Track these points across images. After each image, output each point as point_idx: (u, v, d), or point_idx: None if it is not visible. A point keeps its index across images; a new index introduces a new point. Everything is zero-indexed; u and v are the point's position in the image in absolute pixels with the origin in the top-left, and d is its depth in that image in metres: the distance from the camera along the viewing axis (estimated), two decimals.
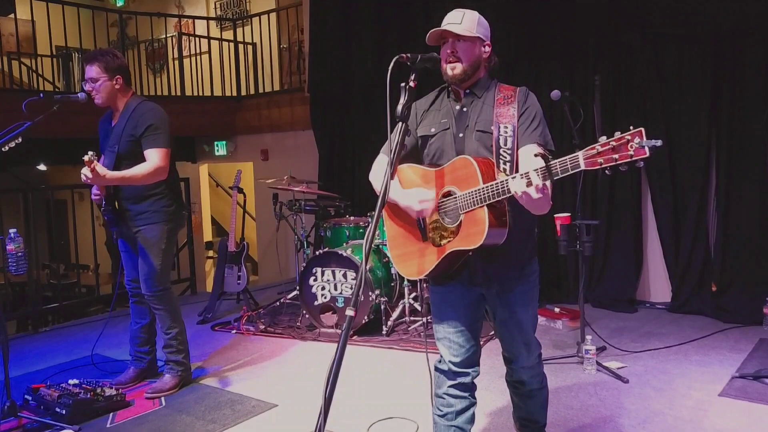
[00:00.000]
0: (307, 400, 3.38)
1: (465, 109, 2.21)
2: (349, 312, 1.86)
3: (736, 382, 3.34)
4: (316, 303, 4.62)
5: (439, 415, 2.32)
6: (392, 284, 4.71)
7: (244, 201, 5.93)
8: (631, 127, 1.67)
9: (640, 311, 4.92)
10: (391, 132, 2.03)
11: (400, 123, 2.04)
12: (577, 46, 5.10)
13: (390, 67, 1.96)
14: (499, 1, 5.04)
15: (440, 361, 2.31)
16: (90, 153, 3.03)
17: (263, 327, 4.78)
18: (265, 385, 3.65)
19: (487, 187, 1.97)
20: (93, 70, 3.30)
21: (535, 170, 1.81)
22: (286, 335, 4.62)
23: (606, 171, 1.73)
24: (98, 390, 3.31)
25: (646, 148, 1.65)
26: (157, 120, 3.35)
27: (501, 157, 2.07)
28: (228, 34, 8.68)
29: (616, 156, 1.69)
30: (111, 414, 3.26)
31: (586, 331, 3.75)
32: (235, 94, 8.16)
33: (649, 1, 4.76)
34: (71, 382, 3.39)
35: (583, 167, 1.74)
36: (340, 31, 6.45)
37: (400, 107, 2.03)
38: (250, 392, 3.53)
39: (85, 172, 3.11)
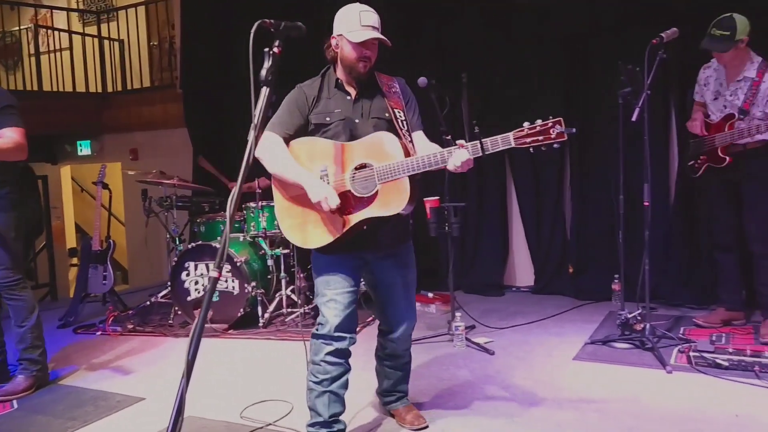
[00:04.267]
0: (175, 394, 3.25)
1: (359, 99, 2.42)
2: (213, 273, 1.86)
3: (588, 348, 3.64)
4: (189, 298, 4.47)
5: (314, 382, 2.41)
6: (269, 277, 4.66)
7: (110, 198, 5.61)
8: (551, 117, 2.06)
9: (507, 295, 5.23)
10: (256, 98, 2.04)
11: (265, 88, 2.05)
12: (447, 44, 5.35)
13: (252, 32, 1.98)
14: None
15: (320, 327, 2.40)
16: None
17: (132, 327, 4.54)
18: (132, 382, 3.48)
19: (419, 159, 2.20)
20: None
21: (473, 144, 2.13)
22: (157, 333, 4.42)
23: (530, 150, 2.10)
24: None
25: (566, 134, 2.03)
26: (13, 101, 3.22)
27: (404, 137, 2.32)
28: (92, 29, 8.19)
29: (540, 138, 2.07)
30: None
31: (458, 312, 3.93)
32: (100, 90, 7.71)
33: (512, 5, 5.10)
34: None
35: (513, 145, 2.11)
36: (215, 25, 6.31)
37: (264, 72, 2.05)
38: (115, 389, 3.35)
39: None
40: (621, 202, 3.82)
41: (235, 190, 1.87)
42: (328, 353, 2.38)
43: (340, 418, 2.49)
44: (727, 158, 3.67)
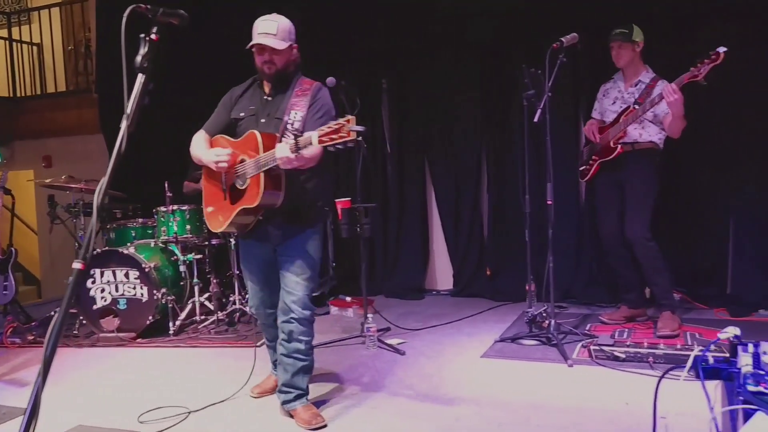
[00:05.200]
0: (72, 403, 3.10)
1: (270, 99, 2.67)
2: (76, 265, 1.77)
3: (497, 345, 3.69)
4: (95, 307, 4.28)
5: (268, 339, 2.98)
6: (181, 283, 4.52)
7: (12, 204, 5.33)
8: (347, 115, 2.19)
9: (427, 298, 5.25)
10: (130, 84, 1.99)
11: (141, 75, 1.99)
12: (368, 51, 5.37)
13: (125, 16, 1.92)
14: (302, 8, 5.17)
15: (251, 306, 2.91)
16: None
17: (32, 338, 4.31)
18: (26, 393, 3.27)
19: (264, 155, 2.42)
20: None
21: (286, 142, 2.30)
22: (59, 344, 4.19)
23: (334, 148, 2.21)
24: None
25: (353, 132, 2.15)
26: None
27: (285, 136, 2.46)
28: (4, 32, 7.82)
29: (335, 136, 2.17)
30: None
31: (375, 316, 3.92)
32: (11, 94, 7.35)
33: (430, 14, 5.17)
34: None
35: (316, 144, 2.22)
36: (131, 26, 6.11)
37: (139, 58, 2.00)
38: (6, 401, 3.15)
39: None
40: (527, 201, 3.91)
41: (103, 181, 1.80)
42: (263, 324, 2.92)
43: (274, 372, 2.91)
44: (618, 148, 3.81)
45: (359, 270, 5.36)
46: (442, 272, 5.45)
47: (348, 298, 4.74)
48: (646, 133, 3.79)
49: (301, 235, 2.64)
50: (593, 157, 4.02)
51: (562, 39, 3.58)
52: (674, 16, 4.39)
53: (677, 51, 4.30)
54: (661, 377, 1.67)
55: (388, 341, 3.80)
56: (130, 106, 1.94)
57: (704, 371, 1.50)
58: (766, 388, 1.28)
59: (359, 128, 2.15)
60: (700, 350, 1.58)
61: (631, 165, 3.81)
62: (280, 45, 2.55)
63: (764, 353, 1.50)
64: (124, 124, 1.91)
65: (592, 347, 3.36)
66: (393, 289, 5.31)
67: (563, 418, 2.63)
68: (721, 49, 3.28)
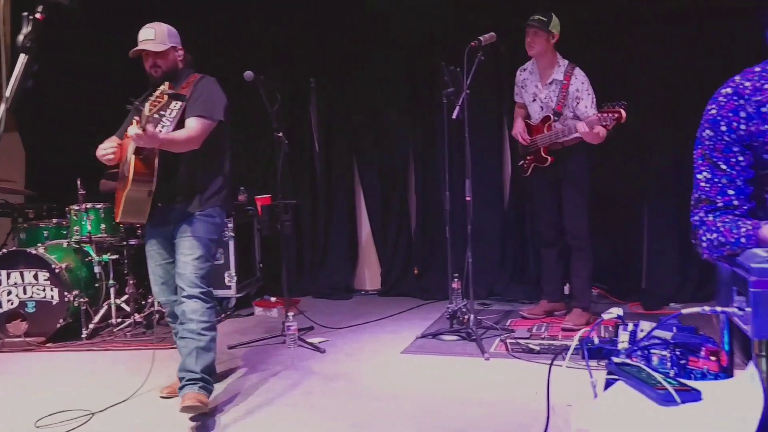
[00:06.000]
0: None
1: None
2: None
3: (418, 342, 3.70)
4: (0, 310, 4.04)
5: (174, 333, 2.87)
6: (96, 285, 4.33)
7: None
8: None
9: (355, 298, 5.22)
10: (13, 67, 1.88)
11: (23, 55, 1.88)
12: (296, 51, 5.32)
13: None
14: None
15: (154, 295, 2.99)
16: None
17: None
18: None
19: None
20: None
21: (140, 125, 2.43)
22: None
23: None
24: None
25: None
26: None
27: (162, 123, 2.51)
28: None
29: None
30: None
31: (298, 316, 3.87)
32: None
33: (358, 14, 5.16)
34: None
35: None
36: (46, 19, 5.85)
37: (22, 37, 1.88)
38: None
39: None
40: (447, 198, 3.93)
41: None
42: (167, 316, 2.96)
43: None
44: (550, 158, 3.90)
45: (288, 270, 5.34)
46: (371, 272, 5.43)
47: (273, 299, 4.65)
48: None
49: (193, 218, 2.71)
50: (528, 157, 4.08)
51: (480, 38, 3.63)
52: (602, 21, 4.53)
53: (607, 55, 4.46)
54: (551, 363, 1.69)
55: (310, 340, 3.75)
56: (9, 89, 1.82)
57: (589, 352, 1.52)
58: (632, 360, 1.30)
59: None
60: (585, 332, 1.60)
61: (565, 162, 3.87)
62: (159, 47, 2.71)
63: (641, 331, 1.54)
64: (2, 108, 1.80)
65: (508, 341, 3.41)
66: (321, 289, 5.25)
67: (476, 409, 2.65)
68: (622, 109, 3.38)
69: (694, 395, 1.12)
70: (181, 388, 2.60)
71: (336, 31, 5.22)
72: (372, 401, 2.80)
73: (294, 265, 5.37)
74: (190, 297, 2.64)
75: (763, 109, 1.40)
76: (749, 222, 1.37)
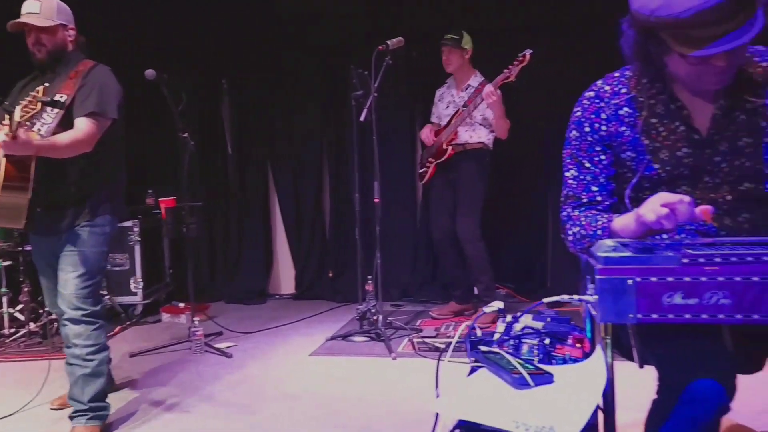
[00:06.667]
0: None
1: (48, 84, 2.43)
2: None
3: (327, 343, 3.70)
4: None
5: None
6: None
7: None
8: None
9: (269, 302, 5.15)
10: None
11: None
12: (208, 51, 5.21)
13: None
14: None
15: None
16: None
17: None
18: None
19: None
20: None
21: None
22: None
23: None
24: None
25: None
26: None
27: (37, 128, 2.32)
28: None
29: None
30: None
31: (207, 321, 3.78)
32: None
33: (272, 15, 5.11)
34: None
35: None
36: None
37: None
38: None
39: None
40: (357, 200, 3.97)
41: None
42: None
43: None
44: (449, 149, 4.02)
45: (196, 274, 5.20)
46: (286, 276, 5.38)
47: (181, 305, 4.52)
48: (476, 134, 4.02)
49: (79, 229, 2.45)
50: (429, 159, 4.19)
51: (388, 42, 3.69)
52: (500, 28, 4.69)
53: (503, 59, 4.61)
54: (439, 358, 1.73)
55: (217, 345, 3.68)
56: None
57: (471, 344, 1.57)
58: (501, 349, 1.36)
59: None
60: (467, 325, 1.66)
61: (463, 165, 4.02)
62: (45, 23, 2.39)
63: (518, 322, 1.60)
64: None
65: (415, 340, 3.47)
66: (234, 293, 5.15)
67: (379, 408, 2.68)
68: (528, 51, 3.57)
69: (546, 378, 1.18)
70: (71, 417, 2.47)
71: (247, 31, 5.16)
72: (274, 403, 2.78)
73: (206, 270, 5.26)
74: (71, 320, 2.42)
75: (620, 112, 1.50)
76: (606, 215, 1.47)
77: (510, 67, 3.63)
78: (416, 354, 3.36)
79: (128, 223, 4.40)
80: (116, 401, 2.76)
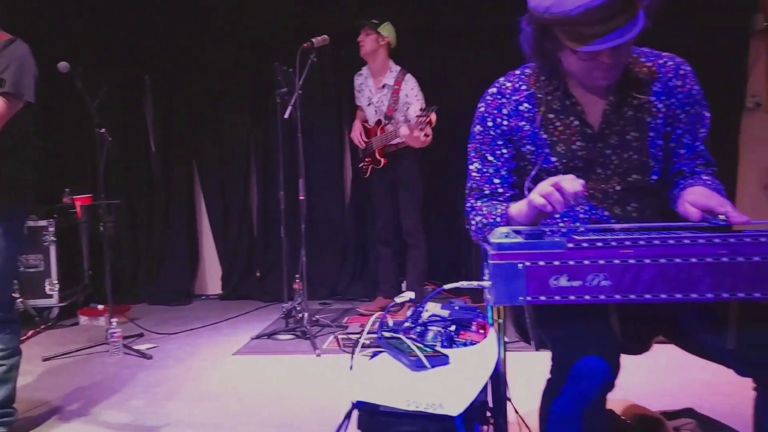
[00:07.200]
0: None
1: None
2: None
3: (252, 342, 3.66)
4: None
5: None
6: None
7: None
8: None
9: (195, 303, 5.04)
10: None
11: None
12: (131, 46, 5.06)
13: None
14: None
15: None
16: None
17: None
18: None
19: None
20: None
21: None
22: None
23: None
24: None
25: None
26: None
27: None
28: None
29: None
30: None
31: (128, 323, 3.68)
32: None
33: (198, 10, 5.00)
34: None
35: None
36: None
37: None
38: None
39: None
40: (282, 198, 3.97)
41: None
42: None
43: None
44: (383, 160, 4.07)
45: (118, 275, 5.03)
46: (212, 276, 5.28)
47: (100, 306, 4.36)
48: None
49: None
50: (366, 159, 4.23)
51: (313, 40, 3.70)
52: (424, 30, 4.77)
53: (429, 61, 4.72)
54: (353, 352, 1.75)
55: (137, 347, 3.58)
56: None
57: (387, 338, 1.60)
58: (404, 335, 1.40)
59: None
60: (378, 315, 1.69)
61: (398, 166, 4.07)
62: None
63: (426, 311, 1.65)
64: None
65: (340, 336, 3.49)
66: (158, 294, 5.01)
67: (300, 404, 2.68)
68: (432, 110, 3.59)
69: (442, 360, 1.23)
70: None
71: (171, 27, 5.04)
72: (191, 403, 2.74)
73: (129, 271, 5.10)
74: None
75: (521, 108, 1.57)
76: (504, 204, 1.53)
77: (420, 119, 3.61)
78: (341, 350, 3.37)
79: (43, 223, 4.22)
80: (24, 406, 2.64)
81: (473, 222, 1.58)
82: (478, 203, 1.59)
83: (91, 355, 3.53)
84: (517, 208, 1.45)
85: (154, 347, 3.64)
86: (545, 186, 1.31)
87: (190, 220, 5.22)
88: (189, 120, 5.16)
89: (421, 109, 3.65)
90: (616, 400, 2.04)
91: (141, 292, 5.06)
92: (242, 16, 4.99)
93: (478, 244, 4.73)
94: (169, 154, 5.17)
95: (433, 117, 3.58)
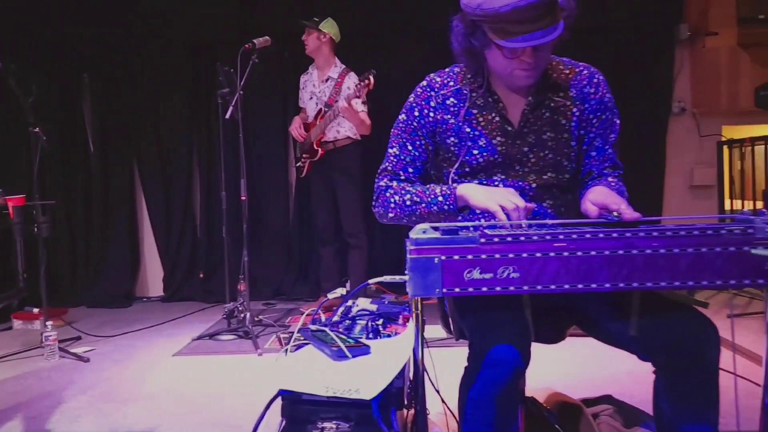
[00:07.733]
0: None
1: None
2: None
3: (192, 343, 3.64)
4: None
5: None
6: None
7: None
8: None
9: (136, 305, 4.97)
10: None
11: None
12: (69, 44, 4.94)
13: None
14: None
15: None
16: None
17: None
18: None
19: None
20: None
21: None
22: None
23: None
24: None
25: None
26: None
27: None
28: None
29: None
30: None
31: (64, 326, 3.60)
32: None
33: (137, 9, 4.92)
34: None
35: None
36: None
37: None
38: None
39: None
40: (224, 198, 3.97)
41: None
42: None
43: None
44: (320, 150, 4.12)
45: (55, 277, 4.91)
46: (154, 278, 5.21)
47: (35, 310, 4.24)
48: (342, 129, 4.12)
49: None
50: (304, 155, 4.26)
51: (255, 41, 3.71)
52: (368, 31, 4.85)
53: (376, 60, 4.78)
54: (286, 349, 1.78)
55: (74, 350, 3.51)
56: None
57: (313, 331, 1.64)
58: (330, 328, 1.45)
59: None
60: (309, 312, 1.74)
61: (336, 163, 4.12)
62: None
63: (356, 305, 1.71)
64: None
65: (282, 336, 3.51)
66: (97, 297, 4.91)
67: (239, 402, 2.69)
68: (371, 74, 3.66)
69: (363, 350, 1.29)
70: None
71: (111, 25, 4.94)
72: (128, 404, 2.71)
73: (67, 273, 4.99)
74: None
75: (447, 102, 1.66)
76: (444, 186, 1.60)
77: (358, 86, 3.71)
78: (281, 349, 3.39)
79: None
80: None
81: (392, 200, 1.66)
82: (394, 183, 1.67)
83: (25, 360, 3.45)
84: (472, 189, 1.54)
85: (91, 350, 3.57)
86: (507, 198, 1.42)
87: (130, 220, 5.14)
88: (129, 119, 5.08)
89: (359, 78, 3.71)
90: (540, 389, 2.15)
91: (80, 294, 4.95)
92: (184, 15, 4.93)
93: None
94: (108, 153, 5.08)
95: (371, 80, 3.64)
